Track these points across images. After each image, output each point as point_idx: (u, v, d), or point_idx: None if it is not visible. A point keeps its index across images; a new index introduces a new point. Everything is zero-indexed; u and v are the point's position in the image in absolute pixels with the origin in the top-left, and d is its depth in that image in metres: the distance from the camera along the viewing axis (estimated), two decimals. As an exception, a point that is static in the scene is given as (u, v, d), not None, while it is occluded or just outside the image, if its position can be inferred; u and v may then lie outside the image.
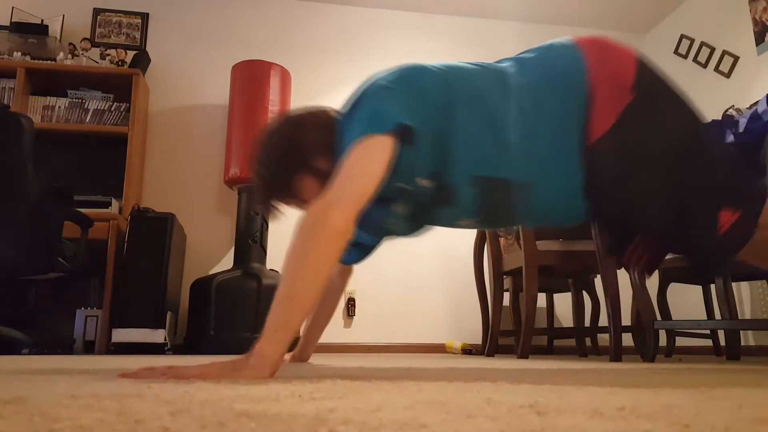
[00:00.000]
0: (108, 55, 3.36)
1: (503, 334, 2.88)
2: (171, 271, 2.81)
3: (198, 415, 0.43)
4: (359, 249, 1.47)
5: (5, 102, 3.12)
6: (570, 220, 1.26)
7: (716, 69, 3.52)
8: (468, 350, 3.16)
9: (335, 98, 3.46)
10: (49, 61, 3.24)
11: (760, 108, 2.17)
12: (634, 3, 3.91)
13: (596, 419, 0.43)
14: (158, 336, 2.65)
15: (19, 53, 3.24)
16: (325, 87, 3.74)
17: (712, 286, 2.79)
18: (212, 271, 3.34)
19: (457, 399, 0.56)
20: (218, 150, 3.55)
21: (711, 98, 3.55)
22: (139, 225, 2.78)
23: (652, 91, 1.15)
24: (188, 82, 3.63)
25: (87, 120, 3.25)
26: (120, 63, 3.35)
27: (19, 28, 3.31)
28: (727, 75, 3.44)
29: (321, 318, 1.62)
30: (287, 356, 1.63)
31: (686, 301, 3.30)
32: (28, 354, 2.26)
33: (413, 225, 1.30)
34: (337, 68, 3.81)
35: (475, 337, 3.44)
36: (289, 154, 1.17)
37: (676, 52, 3.88)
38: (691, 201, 1.11)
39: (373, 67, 3.64)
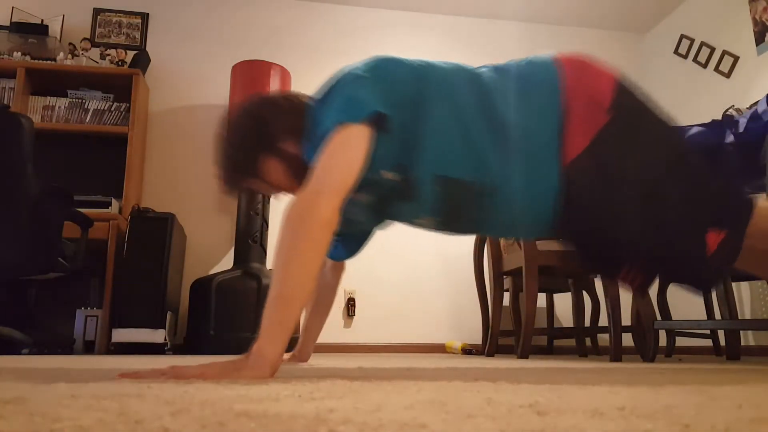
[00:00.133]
0: (108, 55, 3.36)
1: (503, 334, 2.88)
2: (171, 271, 2.81)
3: (198, 415, 0.43)
4: (343, 243, 1.48)
5: (5, 102, 3.12)
6: (534, 234, 1.25)
7: (716, 69, 3.52)
8: (468, 350, 3.16)
9: (335, 98, 3.46)
10: (49, 61, 3.24)
11: (760, 108, 2.17)
12: (634, 3, 3.91)
13: (596, 419, 0.43)
14: (158, 336, 2.65)
15: (19, 53, 3.24)
16: (325, 87, 3.73)
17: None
18: (212, 271, 3.34)
19: (457, 399, 0.56)
20: (218, 150, 3.54)
21: (711, 98, 3.55)
22: (139, 225, 2.78)
23: (629, 113, 1.14)
24: (188, 82, 3.63)
25: (87, 120, 3.25)
26: (120, 63, 3.35)
27: (19, 28, 3.31)
28: (727, 75, 3.44)
29: (318, 317, 1.61)
30: (286, 356, 1.63)
31: (686, 301, 3.30)
32: (28, 354, 2.26)
33: (375, 217, 1.29)
34: (337, 68, 3.80)
35: (475, 337, 3.44)
36: (258, 134, 1.17)
37: (676, 52, 3.88)
38: (675, 225, 1.10)
39: (373, 67, 3.63)
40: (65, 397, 0.55)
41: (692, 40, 3.74)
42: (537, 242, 2.36)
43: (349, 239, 1.48)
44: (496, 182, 1.13)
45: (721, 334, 2.92)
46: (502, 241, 2.71)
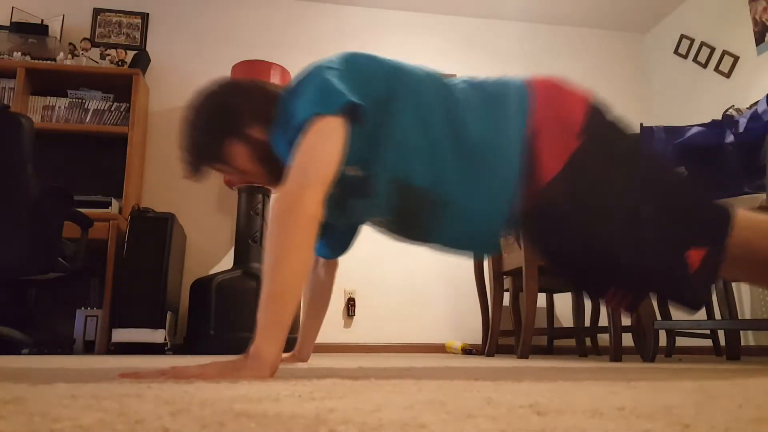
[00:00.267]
0: (108, 55, 3.36)
1: (503, 334, 2.88)
2: (171, 271, 2.81)
3: (198, 415, 0.43)
4: (327, 241, 1.47)
5: (5, 102, 3.12)
6: (484, 252, 1.26)
7: (716, 69, 3.52)
8: (468, 350, 3.16)
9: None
10: (49, 61, 3.24)
11: (760, 108, 2.17)
12: (634, 3, 3.91)
13: (596, 419, 0.43)
14: (158, 336, 2.65)
15: (19, 53, 3.24)
16: (325, 87, 3.73)
17: (713, 287, 2.78)
18: (212, 271, 3.34)
19: (457, 399, 0.56)
20: (218, 150, 3.54)
21: (711, 98, 3.55)
22: (139, 225, 2.78)
23: (601, 137, 1.14)
24: (188, 82, 3.63)
25: (87, 120, 3.25)
26: (120, 63, 3.35)
27: (19, 28, 3.31)
28: (727, 75, 3.44)
29: (315, 316, 1.61)
30: (286, 356, 1.63)
31: (686, 301, 3.30)
32: (28, 354, 2.26)
33: (336, 212, 1.28)
34: (337, 68, 3.81)
35: (475, 337, 3.44)
36: (226, 117, 1.15)
37: (676, 52, 3.88)
38: (654, 246, 1.10)
39: (373, 67, 3.63)
40: (65, 397, 0.55)
41: (692, 40, 3.74)
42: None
43: (332, 236, 1.46)
44: (451, 194, 1.14)
45: (721, 334, 2.92)
46: (502, 241, 2.71)
